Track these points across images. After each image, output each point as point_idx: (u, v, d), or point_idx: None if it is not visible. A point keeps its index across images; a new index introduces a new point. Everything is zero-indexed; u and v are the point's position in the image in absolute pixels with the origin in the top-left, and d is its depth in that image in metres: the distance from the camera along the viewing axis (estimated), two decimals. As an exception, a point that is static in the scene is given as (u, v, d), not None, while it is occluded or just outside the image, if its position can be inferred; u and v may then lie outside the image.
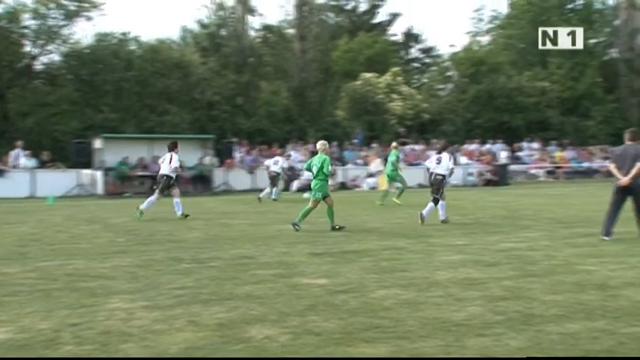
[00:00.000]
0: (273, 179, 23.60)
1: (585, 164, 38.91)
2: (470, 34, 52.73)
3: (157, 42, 38.57)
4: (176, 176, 16.83)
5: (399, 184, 21.11)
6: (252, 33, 42.58)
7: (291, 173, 30.30)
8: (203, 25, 42.52)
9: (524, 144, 39.46)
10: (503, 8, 54.24)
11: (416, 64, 56.45)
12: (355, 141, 36.48)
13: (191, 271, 8.66)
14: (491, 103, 41.80)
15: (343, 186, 30.71)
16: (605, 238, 11.39)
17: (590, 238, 11.60)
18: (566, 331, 5.57)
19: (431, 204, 14.81)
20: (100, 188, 27.18)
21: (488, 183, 32.76)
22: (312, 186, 13.74)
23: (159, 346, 5.39)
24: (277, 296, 7.07)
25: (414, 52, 57.22)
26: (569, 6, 48.68)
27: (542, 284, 7.50)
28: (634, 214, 11.64)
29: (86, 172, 28.40)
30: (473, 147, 37.39)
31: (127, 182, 27.81)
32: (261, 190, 24.33)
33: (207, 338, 5.57)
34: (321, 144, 13.86)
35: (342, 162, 33.50)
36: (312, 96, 41.40)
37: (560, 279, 7.80)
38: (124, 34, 36.94)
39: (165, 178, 16.44)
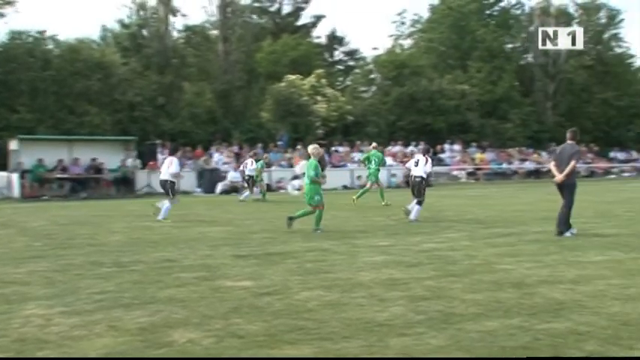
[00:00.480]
0: (249, 182, 23.88)
1: (504, 166, 40.08)
2: (392, 38, 53.58)
3: (77, 41, 37.53)
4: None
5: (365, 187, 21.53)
6: (175, 34, 41.98)
7: (215, 175, 30.09)
8: (124, 25, 41.64)
9: (446, 146, 40.32)
10: (425, 12, 55.20)
11: (340, 67, 56.88)
12: (280, 143, 36.47)
13: (112, 275, 8.47)
14: (414, 105, 42.53)
15: (268, 188, 30.62)
16: (573, 233, 11.97)
17: (509, 237, 11.94)
18: (485, 329, 5.71)
19: (417, 206, 15.22)
20: (16, 191, 26.27)
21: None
22: (305, 191, 13.47)
23: (77, 352, 5.26)
24: (200, 299, 6.99)
25: (338, 54, 57.66)
26: (488, 11, 50.06)
27: (462, 283, 7.67)
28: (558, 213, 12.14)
29: (1, 174, 27.41)
30: (396, 149, 37.92)
31: (46, 185, 26.97)
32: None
33: (128, 343, 5.46)
34: (312, 148, 13.61)
35: (268, 164, 33.43)
36: (236, 98, 41.17)
37: (480, 278, 7.99)
38: (40, 32, 35.85)
39: (168, 182, 16.06)
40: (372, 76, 47.77)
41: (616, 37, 51.54)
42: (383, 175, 33.92)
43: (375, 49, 64.76)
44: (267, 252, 10.40)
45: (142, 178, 29.00)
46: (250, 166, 23.96)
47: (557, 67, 47.79)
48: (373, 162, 21.14)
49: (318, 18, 55.78)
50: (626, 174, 42.54)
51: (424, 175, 15.47)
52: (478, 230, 13.21)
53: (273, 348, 5.30)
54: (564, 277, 7.98)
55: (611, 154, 44.85)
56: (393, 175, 34.33)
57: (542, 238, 11.69)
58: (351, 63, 56.36)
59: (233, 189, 28.99)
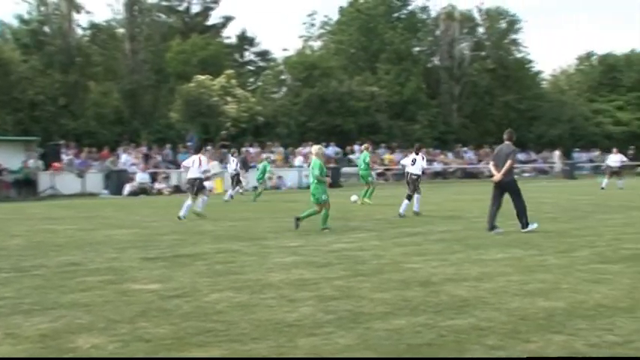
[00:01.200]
0: (234, 179, 24.38)
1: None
2: (302, 39, 53.79)
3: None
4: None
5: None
6: (80, 31, 40.73)
7: (123, 176, 29.40)
8: (24, 21, 40.01)
9: (356, 147, 40.77)
10: (334, 14, 55.66)
11: (250, 68, 56.66)
12: (189, 143, 35.96)
13: (11, 280, 8.14)
14: (324, 106, 42.83)
15: (177, 189, 30.18)
16: (492, 232, 12.43)
17: (416, 237, 12.20)
18: (392, 327, 5.81)
19: (406, 201, 16.31)
20: None
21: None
22: (312, 191, 13.57)
23: (-27, 363, 5.03)
24: (106, 303, 6.82)
25: (249, 55, 57.42)
26: (395, 15, 50.98)
27: (371, 283, 7.78)
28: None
29: None
30: (307, 150, 38.08)
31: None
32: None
33: (27, 351, 5.27)
34: (316, 148, 13.97)
35: (177, 165, 32.96)
36: (145, 98, 40.34)
37: (388, 277, 8.13)
38: None
39: (197, 181, 16.46)
40: (283, 77, 47.82)
41: (516, 43, 53.54)
42: (294, 175, 34.27)
43: (285, 50, 64.79)
44: (176, 254, 10.25)
45: (44, 180, 28.02)
46: (232, 164, 24.44)
47: (462, 70, 49.26)
48: (363, 163, 21.70)
49: (228, 18, 55.40)
50: (526, 174, 44.17)
51: (419, 173, 16.88)
52: (387, 230, 13.44)
53: (182, 351, 5.23)
54: (468, 275, 8.23)
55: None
56: (306, 176, 34.47)
57: (447, 237, 12.01)
58: (262, 64, 56.24)
59: (142, 190, 28.43)
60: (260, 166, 24.78)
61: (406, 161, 17.51)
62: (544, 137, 49.44)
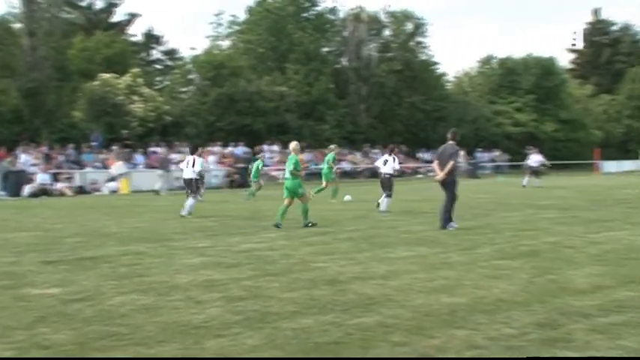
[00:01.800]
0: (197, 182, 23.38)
1: (321, 166, 41.15)
2: (210, 38, 53.24)
3: None
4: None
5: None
6: (-28, 25, 38.85)
7: (22, 177, 28.29)
8: None
9: (265, 147, 40.72)
10: (243, 14, 55.36)
11: (158, 66, 55.66)
12: (94, 143, 34.99)
13: None
14: (233, 106, 42.56)
15: (82, 190, 29.31)
16: (453, 226, 12.89)
17: (324, 236, 12.29)
18: (300, 326, 5.83)
19: (387, 199, 17.03)
20: None
21: (232, 185, 33.36)
22: (286, 186, 14.06)
23: None
24: (2, 310, 6.54)
25: (156, 53, 56.39)
26: (304, 15, 51.20)
27: (279, 283, 7.79)
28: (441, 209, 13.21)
29: None
30: (216, 149, 37.75)
31: None
32: None
33: None
34: (293, 144, 14.46)
35: (80, 165, 32.02)
36: (46, 96, 38.87)
37: (297, 277, 8.15)
38: None
39: (193, 181, 17.11)
40: (191, 76, 47.21)
41: (421, 45, 54.81)
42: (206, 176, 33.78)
43: (193, 49, 63.91)
44: (79, 257, 9.95)
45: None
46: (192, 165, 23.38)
47: (370, 71, 50.02)
48: (327, 163, 22.50)
49: (134, 16, 54.27)
50: (432, 173, 45.20)
51: (392, 172, 17.59)
52: (296, 230, 13.46)
53: (83, 357, 5.08)
54: (375, 273, 8.35)
55: (419, 155, 47.62)
56: (215, 176, 34.18)
57: (355, 236, 12.15)
58: (169, 63, 55.35)
59: (42, 191, 27.43)
60: (254, 164, 24.42)
61: (379, 162, 18.29)
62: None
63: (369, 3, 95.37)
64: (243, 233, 12.89)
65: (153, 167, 32.38)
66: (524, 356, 5.02)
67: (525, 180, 30.02)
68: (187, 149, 19.87)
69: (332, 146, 24.28)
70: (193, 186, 17.16)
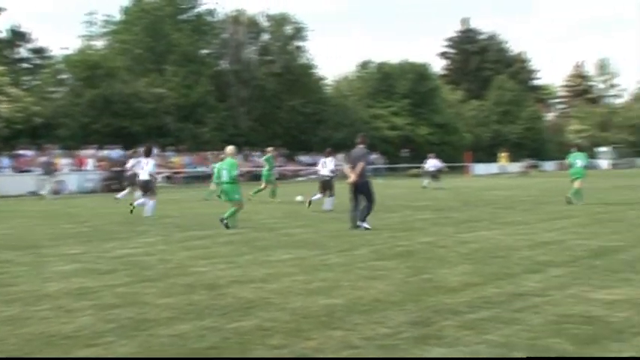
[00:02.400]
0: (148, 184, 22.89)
1: (201, 169, 40.63)
2: (84, 38, 51.25)
3: None
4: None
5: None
6: None
7: None
8: None
9: (141, 149, 39.73)
10: (117, 13, 53.65)
11: (26, 65, 53.02)
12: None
13: None
14: (109, 107, 41.31)
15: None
16: (364, 226, 13.28)
17: (204, 240, 12.14)
18: (177, 332, 5.73)
19: (329, 199, 18.19)
20: None
21: (109, 189, 32.32)
22: (224, 190, 14.35)
23: None
24: None
25: (23, 51, 53.62)
26: (183, 16, 50.45)
27: (156, 288, 7.62)
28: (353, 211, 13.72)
29: None
30: (90, 152, 36.49)
31: None
32: None
33: None
34: (230, 148, 14.72)
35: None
36: None
37: (174, 282, 8.01)
38: None
39: (149, 182, 17.46)
40: (63, 76, 45.35)
41: (301, 49, 55.30)
42: (73, 179, 32.59)
43: (64, 48, 61.26)
44: (-62, 268, 9.31)
45: None
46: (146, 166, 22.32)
47: (250, 73, 49.93)
48: (267, 165, 23.67)
49: (-2, 10, 51.32)
50: (313, 176, 45.75)
51: (331, 174, 18.75)
52: (174, 234, 13.24)
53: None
54: (255, 277, 8.33)
55: (299, 158, 48.02)
56: (89, 181, 33.02)
57: (236, 240, 12.09)
58: (39, 62, 52.85)
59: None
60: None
61: (319, 166, 19.46)
62: (329, 140, 51.46)
63: (248, 5, 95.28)
64: (119, 238, 12.53)
65: (22, 171, 30.93)
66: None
67: (425, 182, 32.04)
68: (141, 152, 19.88)
69: (269, 149, 25.23)
70: (149, 187, 17.44)
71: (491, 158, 64.08)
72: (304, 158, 48.21)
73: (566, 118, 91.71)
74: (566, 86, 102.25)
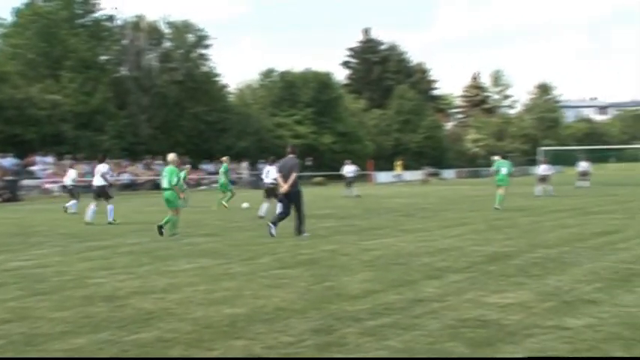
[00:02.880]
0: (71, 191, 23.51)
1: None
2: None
3: None
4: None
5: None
6: None
7: None
8: None
9: (38, 158, 38.31)
10: (9, 15, 51.45)
11: None
12: None
13: None
14: (1, 114, 39.50)
15: None
16: (273, 233, 13.59)
17: (103, 251, 11.81)
18: (71, 347, 5.53)
19: (265, 204, 18.75)
20: None
21: (2, 199, 30.91)
22: (165, 196, 14.36)
23: None
24: None
25: None
26: (80, 21, 48.93)
27: (50, 302, 7.34)
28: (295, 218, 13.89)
29: None
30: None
31: None
32: None
33: None
34: (171, 156, 14.77)
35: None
36: None
37: (70, 294, 7.74)
38: None
39: (105, 187, 18.32)
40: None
41: (204, 57, 54.75)
42: None
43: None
44: None
45: None
46: (73, 175, 23.69)
47: (151, 81, 48.97)
48: (223, 174, 24.11)
49: None
50: (215, 185, 45.32)
51: (275, 181, 17.89)
52: (72, 245, 12.81)
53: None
54: (155, 287, 8.17)
55: (202, 166, 47.44)
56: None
57: (136, 250, 11.82)
58: None
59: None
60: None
61: (263, 174, 20.00)
62: (233, 149, 51.18)
63: (149, 11, 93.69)
64: (11, 250, 12.01)
65: None
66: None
67: (347, 191, 31.89)
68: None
69: (224, 158, 25.83)
70: (105, 192, 18.18)
71: (393, 166, 65.49)
72: (207, 167, 47.67)
73: (464, 128, 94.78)
74: (464, 96, 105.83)
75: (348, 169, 33.50)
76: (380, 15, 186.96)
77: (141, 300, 7.39)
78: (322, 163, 54.45)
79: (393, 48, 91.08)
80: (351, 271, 9.24)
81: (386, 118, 73.32)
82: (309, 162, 51.42)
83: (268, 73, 62.60)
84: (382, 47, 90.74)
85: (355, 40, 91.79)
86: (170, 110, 50.06)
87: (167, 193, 14.34)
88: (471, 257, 10.38)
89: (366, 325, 6.18)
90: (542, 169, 30.79)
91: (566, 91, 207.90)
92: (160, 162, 43.83)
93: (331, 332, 5.95)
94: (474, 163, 77.68)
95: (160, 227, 13.97)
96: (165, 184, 14.35)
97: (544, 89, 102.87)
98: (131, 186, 40.35)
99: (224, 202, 23.34)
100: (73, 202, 22.66)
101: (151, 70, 49.50)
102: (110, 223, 17.36)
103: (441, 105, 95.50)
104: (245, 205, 22.17)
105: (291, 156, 14.18)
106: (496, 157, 22.53)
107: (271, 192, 18.68)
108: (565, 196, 28.48)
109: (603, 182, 30.25)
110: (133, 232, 15.08)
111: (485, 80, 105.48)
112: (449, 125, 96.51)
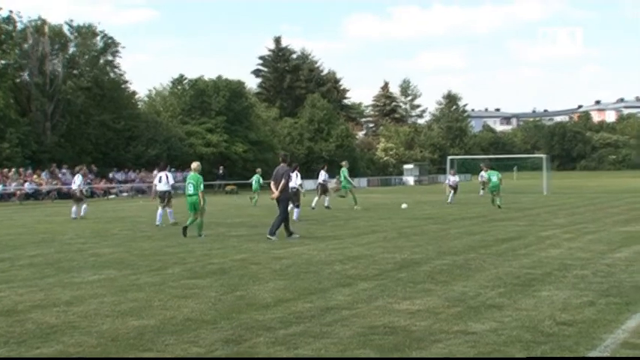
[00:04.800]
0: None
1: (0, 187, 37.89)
2: None
3: None
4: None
5: None
6: None
7: None
8: None
9: None
10: None
11: None
12: None
13: None
14: None
15: None
16: (296, 237, 14.56)
17: (2, 263, 11.34)
18: (-33, 365, 5.28)
19: (297, 209, 19.91)
20: None
21: None
22: (191, 201, 15.58)
23: None
24: None
25: None
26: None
27: (-56, 318, 6.96)
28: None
29: None
30: None
31: None
32: None
33: None
34: (195, 165, 16.23)
35: None
36: None
37: (-34, 309, 7.37)
38: None
39: (167, 193, 19.41)
40: None
41: (111, 63, 53.47)
42: None
43: None
44: None
45: None
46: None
47: (55, 87, 47.34)
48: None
49: None
50: (124, 194, 44.31)
51: (297, 186, 20.45)
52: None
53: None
54: (59, 300, 7.89)
55: (111, 175, 46.24)
56: None
57: (38, 262, 11.40)
58: None
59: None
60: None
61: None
62: (142, 157, 50.16)
63: (51, 16, 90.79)
64: None
65: None
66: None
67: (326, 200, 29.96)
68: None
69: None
70: (168, 197, 19.33)
71: (306, 175, 65.69)
72: (117, 175, 46.53)
73: (375, 137, 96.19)
74: (375, 106, 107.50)
75: (323, 176, 31.50)
76: (291, 23, 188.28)
77: (43, 314, 7.12)
78: (234, 171, 54.07)
79: (304, 57, 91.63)
80: (262, 280, 9.20)
81: (298, 126, 73.63)
82: (221, 171, 50.95)
83: (179, 81, 61.70)
84: (293, 56, 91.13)
85: (266, 48, 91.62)
86: (76, 118, 48.50)
87: (193, 199, 15.55)
88: (381, 265, 10.53)
89: (276, 334, 6.16)
90: (452, 178, 31.44)
91: (471, 102, 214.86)
92: (65, 170, 42.50)
93: (242, 342, 5.90)
94: (385, 172, 78.97)
95: (185, 228, 15.28)
96: (191, 190, 15.60)
97: (451, 99, 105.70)
98: (34, 195, 38.83)
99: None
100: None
101: (55, 76, 47.84)
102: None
103: (352, 114, 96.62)
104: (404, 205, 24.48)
105: (282, 165, 15.28)
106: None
107: (296, 195, 19.77)
108: (471, 203, 29.32)
109: (506, 190, 31.40)
110: (34, 243, 14.54)
111: (395, 90, 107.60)
112: (360, 134, 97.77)
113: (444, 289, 8.34)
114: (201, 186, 15.62)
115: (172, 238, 15.22)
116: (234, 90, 59.83)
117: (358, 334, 6.14)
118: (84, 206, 22.57)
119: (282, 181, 14.76)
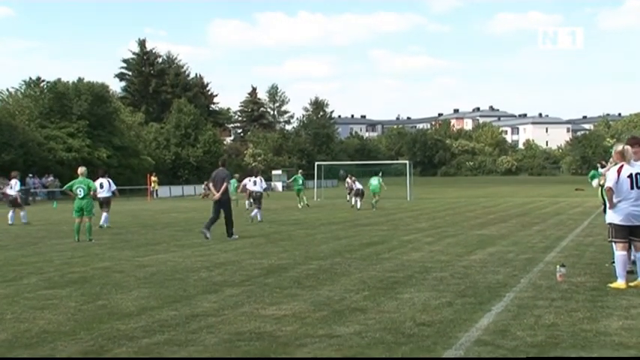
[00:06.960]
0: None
1: None
2: None
3: None
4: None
5: None
6: None
7: None
8: None
9: None
10: None
11: None
12: None
13: None
14: None
15: None
16: (208, 236, 15.56)
17: None
18: None
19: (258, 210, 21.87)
20: None
21: None
22: (82, 205, 15.99)
23: None
24: None
25: None
26: None
27: None
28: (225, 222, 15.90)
29: None
30: None
31: None
32: None
33: None
34: (83, 169, 16.88)
35: None
36: None
37: None
38: None
39: (107, 199, 20.78)
40: None
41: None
42: None
43: None
44: None
45: None
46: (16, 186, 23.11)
47: None
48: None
49: None
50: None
51: (261, 190, 23.08)
52: None
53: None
54: None
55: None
56: None
57: None
58: None
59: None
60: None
61: (249, 183, 23.80)
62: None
63: None
64: None
65: None
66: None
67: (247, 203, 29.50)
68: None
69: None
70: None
71: (174, 180, 64.63)
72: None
73: (243, 142, 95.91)
74: (242, 111, 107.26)
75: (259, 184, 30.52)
76: (155, 27, 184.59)
77: None
78: (96, 178, 52.16)
79: (170, 61, 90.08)
80: (126, 288, 8.93)
81: (165, 132, 72.24)
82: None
83: (36, 83, 58.86)
84: (159, 60, 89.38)
85: (130, 51, 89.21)
86: None
87: (83, 202, 15.99)
88: (248, 270, 10.50)
89: (140, 343, 5.99)
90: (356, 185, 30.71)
91: (338, 109, 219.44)
92: None
93: (102, 353, 5.70)
94: (254, 178, 78.78)
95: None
96: (81, 194, 16.01)
97: (318, 106, 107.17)
98: None
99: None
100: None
101: None
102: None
103: (220, 119, 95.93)
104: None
105: (222, 168, 16.46)
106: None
107: (260, 197, 22.55)
108: (337, 209, 29.87)
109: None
110: None
111: (263, 96, 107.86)
112: (228, 140, 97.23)
113: (310, 293, 8.43)
114: (93, 187, 16.85)
115: (29, 247, 14.48)
116: (96, 94, 57.90)
117: (224, 340, 6.09)
118: (22, 212, 22.75)
119: (224, 185, 15.98)
